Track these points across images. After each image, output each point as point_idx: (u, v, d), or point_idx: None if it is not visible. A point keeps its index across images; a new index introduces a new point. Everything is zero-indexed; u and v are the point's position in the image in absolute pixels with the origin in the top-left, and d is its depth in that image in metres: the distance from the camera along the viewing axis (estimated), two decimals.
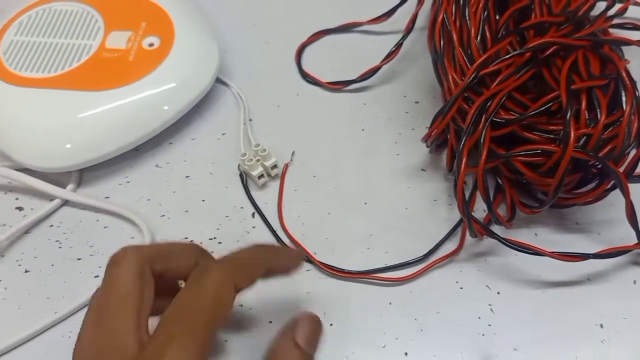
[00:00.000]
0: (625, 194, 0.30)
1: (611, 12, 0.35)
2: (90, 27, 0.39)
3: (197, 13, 0.42)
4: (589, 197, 0.31)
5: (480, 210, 0.34)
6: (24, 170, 0.37)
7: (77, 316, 0.32)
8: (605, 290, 0.32)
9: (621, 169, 0.30)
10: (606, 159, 0.30)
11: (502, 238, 0.31)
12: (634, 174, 0.31)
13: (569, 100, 0.30)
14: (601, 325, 0.31)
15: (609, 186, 0.31)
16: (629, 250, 0.32)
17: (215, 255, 0.26)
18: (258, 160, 0.36)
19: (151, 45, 0.38)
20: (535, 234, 0.34)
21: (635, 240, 0.31)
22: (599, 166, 0.31)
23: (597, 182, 0.31)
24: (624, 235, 0.32)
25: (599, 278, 0.32)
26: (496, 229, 0.32)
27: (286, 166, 0.37)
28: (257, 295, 0.29)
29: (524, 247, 0.31)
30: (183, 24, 0.40)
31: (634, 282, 0.32)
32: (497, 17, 0.35)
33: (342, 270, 0.32)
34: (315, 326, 0.25)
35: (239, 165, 0.37)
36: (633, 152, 0.31)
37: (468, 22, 0.34)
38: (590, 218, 0.34)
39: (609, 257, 0.31)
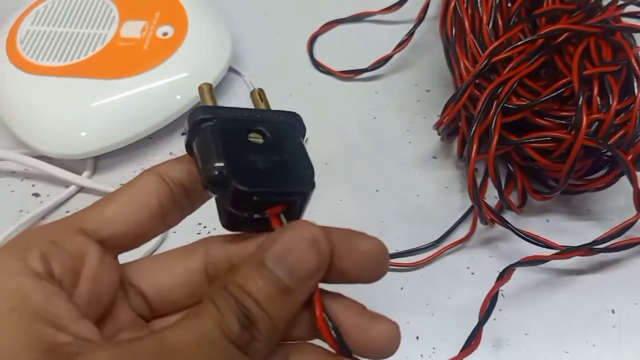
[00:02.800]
0: (634, 181, 0.30)
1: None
2: (105, 17, 0.40)
3: (210, 3, 0.42)
4: (599, 184, 0.31)
5: (491, 197, 0.34)
6: (40, 157, 0.37)
7: None
8: (617, 276, 0.32)
9: (629, 157, 0.30)
10: (617, 145, 0.30)
11: (514, 227, 0.31)
12: None
13: (581, 86, 0.30)
14: (612, 311, 0.31)
15: (618, 172, 0.31)
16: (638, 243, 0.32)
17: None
18: None
19: (165, 34, 0.39)
20: (547, 221, 0.34)
21: None
22: (609, 153, 0.31)
23: (607, 168, 0.32)
24: (637, 222, 0.32)
25: (611, 264, 0.32)
26: (508, 217, 0.32)
27: None
28: None
29: (536, 238, 0.31)
30: (196, 14, 0.40)
31: None
32: (509, 5, 0.35)
33: None
34: (301, 247, 0.17)
35: None
36: None
37: (480, 9, 0.34)
38: (602, 205, 0.34)
39: (621, 250, 0.31)
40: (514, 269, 0.28)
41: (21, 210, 0.36)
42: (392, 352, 0.19)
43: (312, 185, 0.20)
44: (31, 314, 0.16)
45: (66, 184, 0.37)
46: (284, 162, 0.20)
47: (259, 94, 0.22)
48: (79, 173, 0.37)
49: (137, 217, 0.19)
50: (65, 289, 0.18)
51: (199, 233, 0.34)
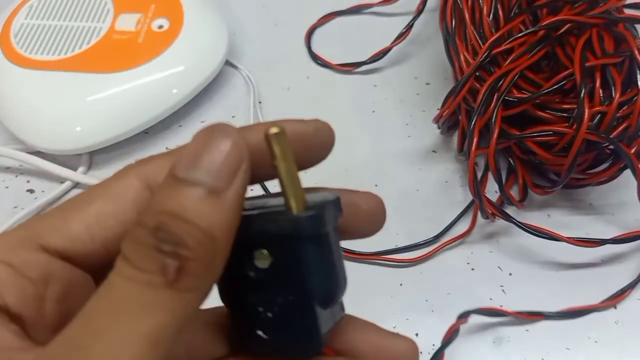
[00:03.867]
0: (637, 175, 0.30)
1: None
2: (99, 10, 0.39)
3: None
4: (602, 177, 0.31)
5: (492, 192, 0.34)
6: (35, 152, 0.37)
7: None
8: (619, 271, 0.31)
9: (632, 150, 0.30)
10: (620, 138, 0.29)
11: (516, 220, 0.31)
12: None
13: (583, 77, 0.29)
14: (615, 307, 0.30)
15: (621, 165, 0.30)
16: None
17: None
18: None
19: (160, 27, 0.38)
20: (548, 215, 0.33)
21: None
22: (612, 147, 0.30)
23: (610, 161, 0.31)
24: (638, 216, 0.32)
25: (613, 260, 0.32)
26: (508, 212, 0.32)
27: None
28: None
29: (540, 231, 0.30)
30: (192, 6, 0.39)
31: None
32: None
33: (353, 252, 0.32)
34: (209, 142, 0.15)
35: None
36: None
37: (480, 0, 0.34)
38: (604, 200, 0.34)
39: (626, 242, 0.31)
40: (470, 315, 0.28)
41: (16, 207, 0.36)
42: None
43: (318, 347, 0.17)
44: None
45: (61, 179, 0.37)
46: (288, 306, 0.17)
47: (275, 138, 0.16)
48: (74, 169, 0.37)
49: (110, 234, 0.16)
50: (28, 319, 0.15)
51: None
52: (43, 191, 0.37)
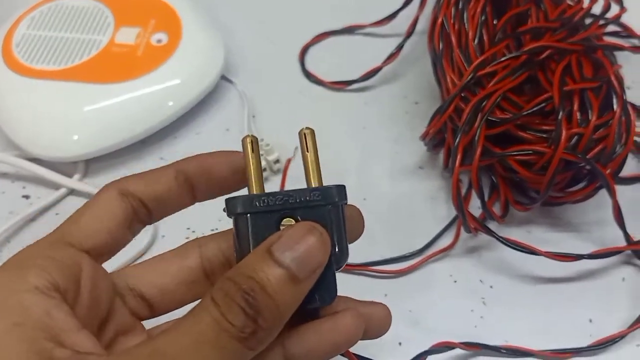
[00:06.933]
0: (612, 194, 0.31)
1: (605, 17, 0.37)
2: (100, 23, 0.40)
3: (204, 11, 0.43)
4: (578, 196, 0.32)
5: (475, 207, 0.35)
6: (31, 159, 0.38)
7: None
8: (595, 286, 0.33)
9: (608, 171, 0.31)
10: (596, 159, 0.31)
11: (497, 235, 0.32)
12: (620, 176, 0.32)
13: (561, 100, 0.31)
14: (590, 320, 0.31)
15: (597, 185, 0.32)
16: (620, 252, 0.33)
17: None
18: (261, 155, 0.37)
19: (159, 41, 0.40)
20: (528, 232, 0.35)
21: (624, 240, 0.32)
22: (588, 167, 0.32)
23: (587, 181, 0.32)
24: (614, 235, 0.33)
25: (590, 275, 0.33)
26: (491, 227, 0.33)
27: (288, 161, 0.38)
28: None
29: (519, 245, 0.32)
30: (190, 22, 0.41)
31: (623, 279, 0.33)
32: (495, 22, 0.36)
33: None
34: (307, 236, 0.18)
35: None
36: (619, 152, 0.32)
37: (466, 25, 0.35)
38: (582, 218, 0.35)
39: (602, 258, 0.32)
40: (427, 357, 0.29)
41: (11, 212, 0.37)
42: (388, 329, 0.23)
43: (335, 296, 0.20)
44: (32, 329, 0.17)
45: (57, 186, 0.37)
46: None
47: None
48: (70, 176, 0.38)
49: (109, 227, 0.21)
50: (69, 299, 0.19)
51: (187, 237, 0.35)
52: (39, 197, 0.37)
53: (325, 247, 0.19)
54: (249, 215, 0.20)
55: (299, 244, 0.18)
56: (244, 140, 0.22)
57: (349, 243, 0.21)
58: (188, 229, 0.36)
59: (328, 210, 0.20)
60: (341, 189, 0.21)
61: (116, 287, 0.22)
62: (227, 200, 0.21)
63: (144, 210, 0.22)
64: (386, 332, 0.23)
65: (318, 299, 0.20)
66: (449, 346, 0.29)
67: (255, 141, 0.22)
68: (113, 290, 0.22)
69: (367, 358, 0.23)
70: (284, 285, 0.18)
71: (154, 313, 0.23)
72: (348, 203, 0.22)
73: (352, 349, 0.23)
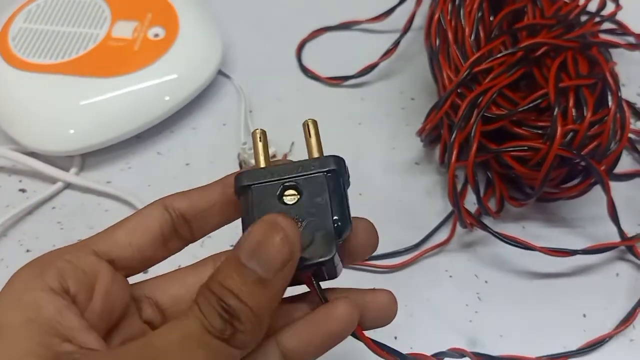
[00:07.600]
0: (606, 191, 0.31)
1: (601, 15, 0.37)
2: (97, 17, 0.40)
3: (201, 6, 0.43)
4: (573, 192, 0.33)
5: (471, 203, 0.35)
6: (28, 153, 0.38)
7: None
8: (589, 281, 0.33)
9: (602, 167, 0.32)
10: (591, 155, 0.31)
11: (492, 230, 0.32)
12: (615, 172, 0.33)
13: (557, 97, 0.31)
14: (584, 315, 0.32)
15: (591, 181, 0.32)
16: (614, 247, 0.33)
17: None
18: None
19: (156, 35, 0.40)
20: (523, 227, 0.35)
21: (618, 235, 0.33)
22: (583, 163, 0.32)
23: (581, 177, 0.33)
24: (608, 230, 0.33)
25: (584, 270, 0.33)
26: (486, 222, 0.33)
27: (285, 156, 0.38)
28: None
29: (515, 240, 0.32)
30: (187, 16, 0.41)
31: (617, 274, 0.33)
32: (491, 18, 0.36)
33: None
34: (270, 240, 0.18)
35: (238, 154, 0.38)
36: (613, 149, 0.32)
37: (463, 21, 0.35)
38: (576, 214, 0.35)
39: (596, 253, 0.33)
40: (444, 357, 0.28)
41: (8, 206, 0.36)
42: (394, 315, 0.22)
43: (331, 252, 0.20)
44: (43, 324, 0.19)
45: (53, 180, 0.37)
46: (312, 226, 0.20)
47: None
48: (67, 170, 0.38)
49: (141, 241, 0.22)
50: (80, 303, 0.20)
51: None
52: (35, 191, 0.37)
53: (290, 242, 0.19)
54: (252, 186, 0.21)
55: (261, 246, 0.18)
56: (253, 133, 0.23)
57: (363, 258, 0.22)
58: None
59: (326, 178, 0.21)
60: (339, 158, 0.22)
61: (134, 296, 0.23)
62: (236, 177, 0.22)
63: (185, 226, 0.22)
64: (393, 318, 0.22)
65: (326, 273, 0.21)
66: (460, 352, 0.28)
67: (263, 133, 0.23)
68: (129, 299, 0.22)
69: (385, 344, 0.22)
70: (253, 288, 0.18)
71: (167, 322, 0.23)
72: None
73: (369, 334, 0.22)
